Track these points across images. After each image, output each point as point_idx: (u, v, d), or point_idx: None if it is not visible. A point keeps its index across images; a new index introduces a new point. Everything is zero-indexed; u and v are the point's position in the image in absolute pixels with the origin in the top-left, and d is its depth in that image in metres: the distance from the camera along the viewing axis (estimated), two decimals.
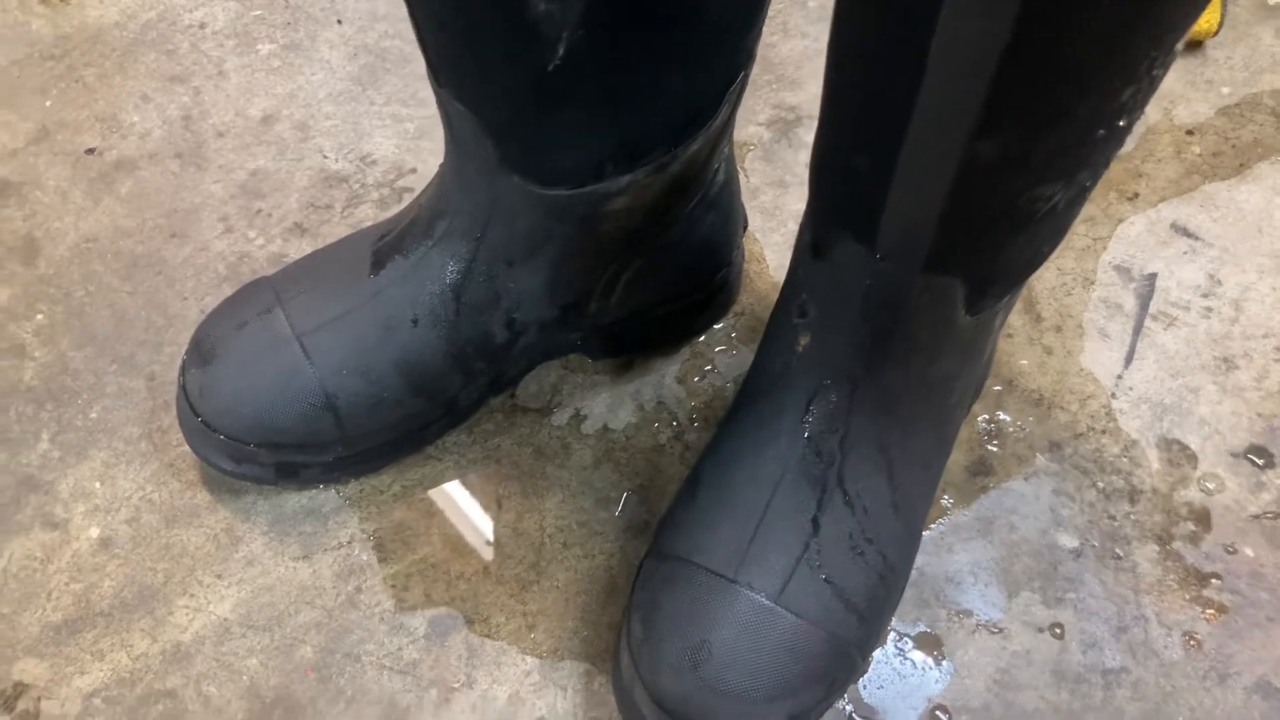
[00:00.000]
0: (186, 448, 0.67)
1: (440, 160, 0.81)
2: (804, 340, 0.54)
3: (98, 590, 0.63)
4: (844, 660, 0.54)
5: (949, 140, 0.40)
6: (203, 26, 0.90)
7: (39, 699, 0.60)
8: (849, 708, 0.58)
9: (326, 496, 0.66)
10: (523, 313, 0.61)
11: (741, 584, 0.52)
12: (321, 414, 0.60)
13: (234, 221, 0.78)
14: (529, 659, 0.60)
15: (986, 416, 0.68)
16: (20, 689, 0.60)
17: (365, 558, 0.64)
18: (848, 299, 0.51)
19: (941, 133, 0.40)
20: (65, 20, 0.89)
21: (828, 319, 0.53)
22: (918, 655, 0.60)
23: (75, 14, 0.89)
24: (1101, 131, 0.40)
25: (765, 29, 0.78)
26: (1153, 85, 0.39)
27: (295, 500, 0.66)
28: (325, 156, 0.81)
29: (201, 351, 0.61)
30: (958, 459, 0.66)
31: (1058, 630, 0.60)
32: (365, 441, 0.63)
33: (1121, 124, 0.40)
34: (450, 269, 0.58)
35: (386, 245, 0.60)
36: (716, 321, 0.72)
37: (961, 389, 0.57)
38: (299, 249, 0.76)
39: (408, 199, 0.79)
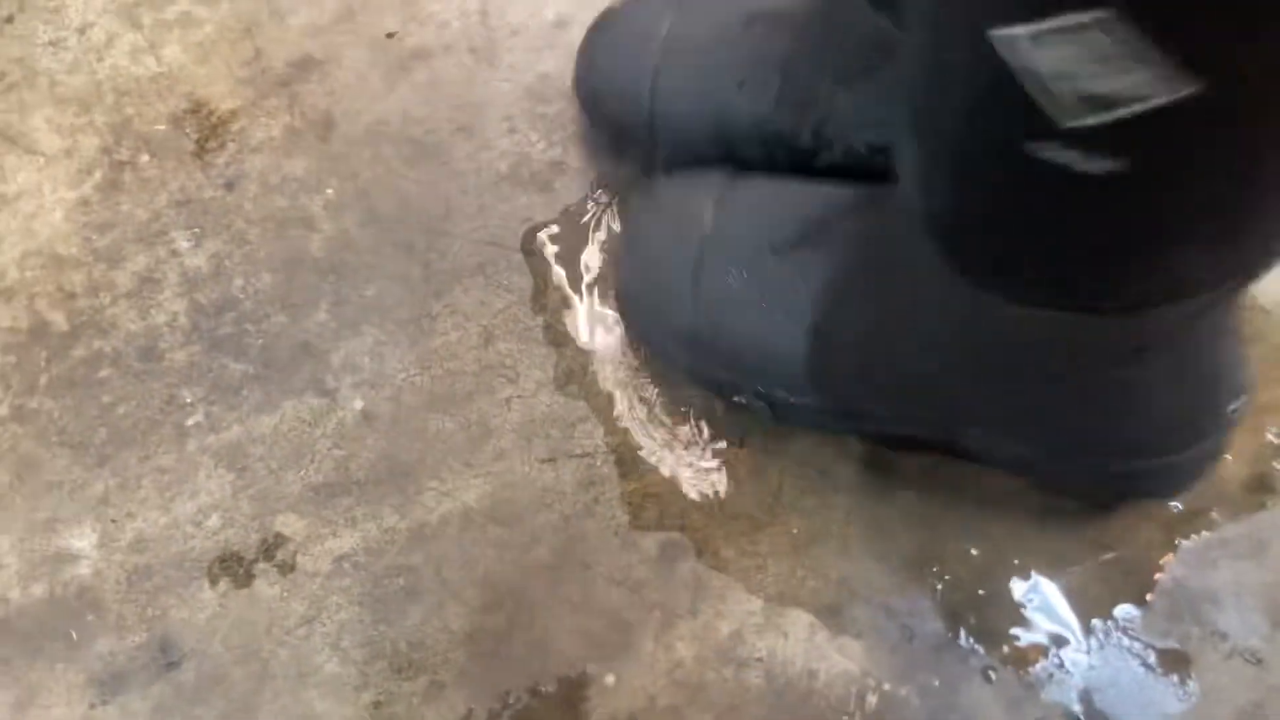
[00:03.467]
0: (451, 336, 0.70)
1: None
2: None
3: (356, 460, 0.66)
4: None
5: None
6: None
7: (295, 553, 0.64)
8: (1078, 708, 0.56)
9: (576, 405, 0.67)
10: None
11: None
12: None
13: (518, 122, 0.79)
14: (754, 599, 0.60)
15: (1276, 430, 0.63)
16: (280, 540, 0.64)
17: (606, 470, 0.65)
18: None
19: None
20: None
21: None
22: (1162, 670, 0.57)
23: None
24: None
25: None
26: None
27: (547, 403, 0.67)
28: None
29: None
30: (1236, 471, 0.61)
31: None
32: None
33: None
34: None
35: None
36: None
37: None
38: (576, 158, 0.77)
39: None
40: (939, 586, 0.60)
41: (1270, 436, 0.62)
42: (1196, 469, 0.56)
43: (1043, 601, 0.59)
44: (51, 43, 0.84)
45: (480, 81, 0.81)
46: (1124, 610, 0.59)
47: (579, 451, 0.66)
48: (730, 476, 0.64)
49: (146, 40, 0.84)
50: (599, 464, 0.65)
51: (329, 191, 0.77)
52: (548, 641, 0.60)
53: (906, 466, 0.63)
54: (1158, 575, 0.59)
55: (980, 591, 0.60)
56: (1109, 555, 0.60)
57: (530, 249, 0.73)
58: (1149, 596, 0.59)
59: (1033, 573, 0.60)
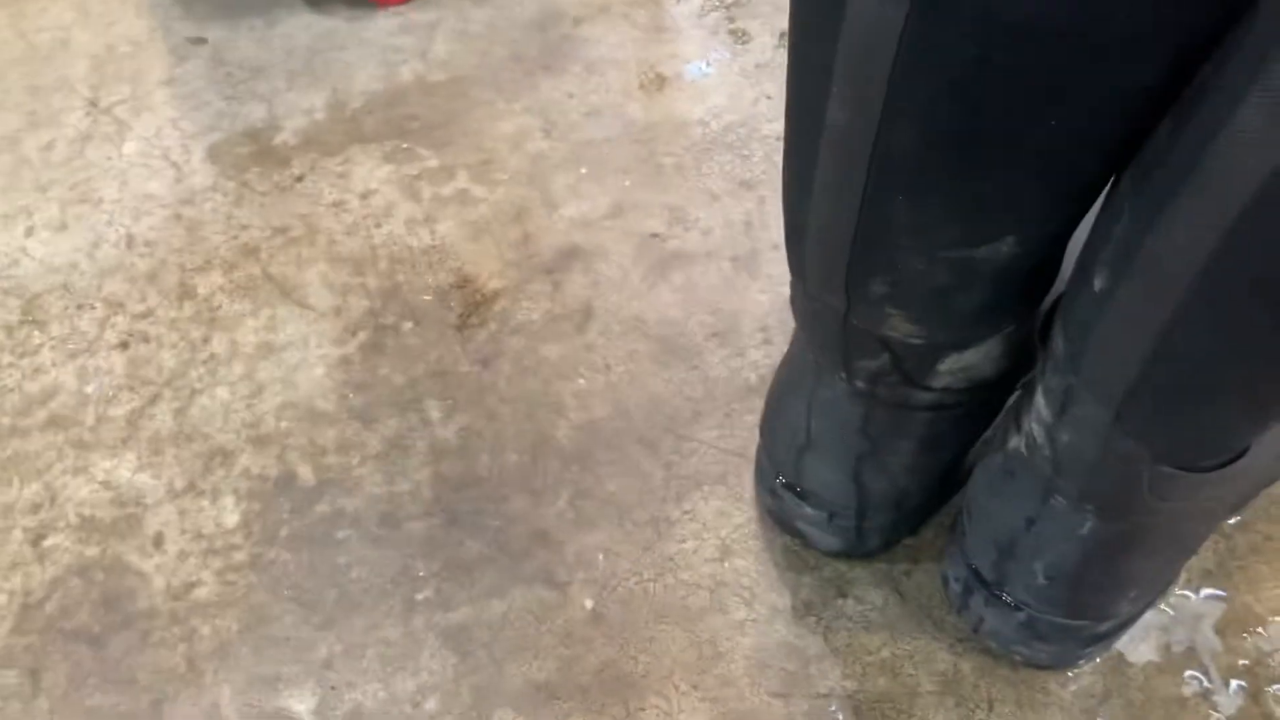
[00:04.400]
0: (688, 545, 0.68)
1: None
2: None
3: (581, 663, 0.64)
4: None
5: None
6: (780, 139, 0.93)
7: None
8: None
9: (812, 640, 0.64)
10: None
11: None
12: None
13: (773, 334, 0.79)
14: None
15: None
16: None
17: (841, 717, 0.61)
18: None
19: None
20: (657, 108, 0.95)
21: None
22: None
23: (667, 104, 0.95)
24: None
25: None
26: None
27: (783, 633, 0.64)
28: None
29: None
30: None
31: None
32: None
33: None
34: None
35: None
36: None
37: None
38: None
39: None
40: None
41: None
42: None
43: None
44: (335, 204, 0.89)
45: (739, 290, 0.82)
46: None
47: (813, 692, 0.62)
48: None
49: (423, 213, 0.88)
50: (834, 709, 0.61)
51: (581, 381, 0.77)
52: None
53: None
54: None
55: None
56: None
57: None
58: None
59: None
